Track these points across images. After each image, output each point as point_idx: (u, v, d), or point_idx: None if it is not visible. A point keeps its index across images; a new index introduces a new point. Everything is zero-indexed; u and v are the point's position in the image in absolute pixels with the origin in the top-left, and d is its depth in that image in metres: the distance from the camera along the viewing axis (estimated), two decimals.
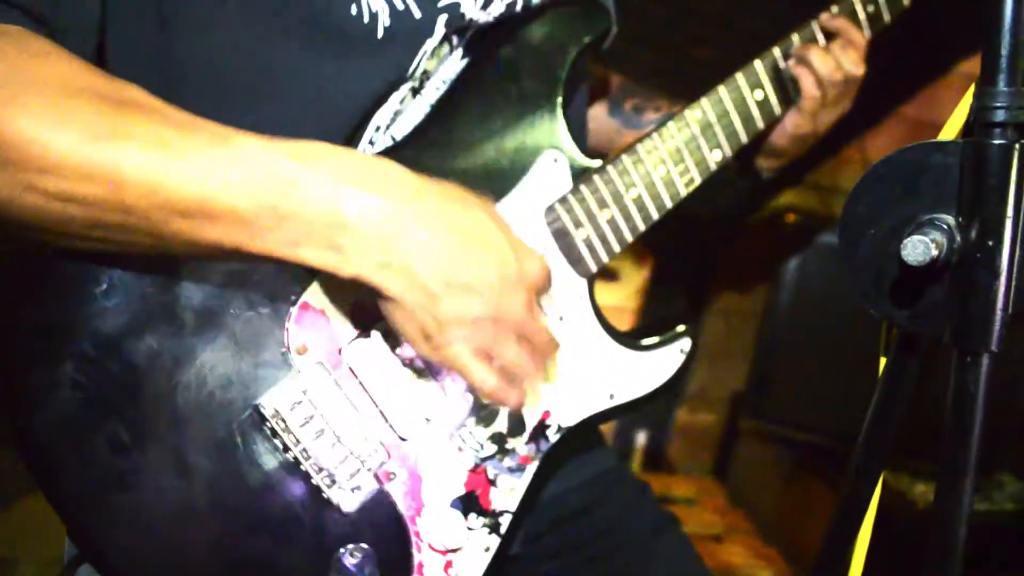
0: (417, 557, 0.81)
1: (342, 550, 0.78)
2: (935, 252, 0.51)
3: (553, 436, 0.88)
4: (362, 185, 0.65)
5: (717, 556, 2.38)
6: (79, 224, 0.63)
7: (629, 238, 0.91)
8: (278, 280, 0.76)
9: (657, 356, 0.93)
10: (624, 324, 0.94)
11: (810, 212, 2.50)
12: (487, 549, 0.85)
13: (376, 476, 0.80)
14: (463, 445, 0.84)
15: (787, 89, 0.99)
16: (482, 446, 0.84)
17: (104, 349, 0.72)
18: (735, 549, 2.46)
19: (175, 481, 0.74)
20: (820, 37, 0.99)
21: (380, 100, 0.83)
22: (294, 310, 0.77)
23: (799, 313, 2.34)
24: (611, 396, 0.91)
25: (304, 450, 0.77)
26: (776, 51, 0.98)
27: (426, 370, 0.81)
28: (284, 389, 0.76)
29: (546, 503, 0.95)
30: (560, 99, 0.87)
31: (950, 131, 0.55)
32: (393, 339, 0.79)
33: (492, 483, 0.85)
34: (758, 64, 0.96)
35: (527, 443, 0.87)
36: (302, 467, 0.77)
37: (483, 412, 0.84)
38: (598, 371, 0.90)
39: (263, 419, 0.76)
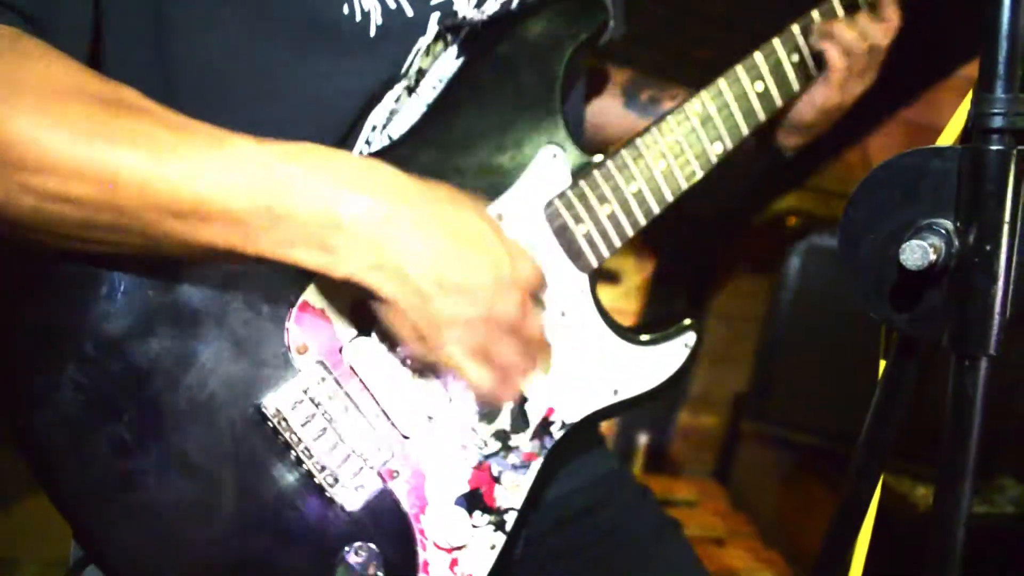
0: (422, 555, 0.81)
1: (346, 549, 0.78)
2: (933, 257, 0.51)
3: (557, 433, 0.88)
4: (356, 187, 0.66)
5: (718, 560, 2.39)
6: (73, 225, 0.64)
7: (630, 232, 0.91)
8: (278, 280, 0.76)
9: (661, 351, 0.92)
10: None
11: (812, 215, 2.51)
12: (493, 547, 0.85)
13: (379, 474, 0.80)
14: (466, 442, 0.84)
15: (807, 67, 0.98)
16: (485, 443, 0.84)
17: (105, 350, 0.72)
18: (736, 552, 2.46)
19: (178, 482, 0.74)
20: (840, 10, 1.00)
21: (375, 99, 0.83)
22: (294, 310, 0.77)
23: (800, 316, 2.34)
24: (615, 392, 0.91)
25: (306, 449, 0.77)
26: (795, 28, 0.97)
27: (427, 368, 0.81)
28: (285, 389, 0.77)
29: (548, 505, 0.95)
30: (558, 95, 0.87)
31: (948, 136, 0.56)
32: (393, 338, 0.79)
33: (496, 480, 0.85)
34: (758, 56, 0.96)
35: (531, 440, 0.87)
36: (304, 466, 0.77)
37: (486, 409, 0.84)
38: (601, 367, 0.90)
39: (264, 419, 0.76)
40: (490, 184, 0.85)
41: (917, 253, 0.51)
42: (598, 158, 0.89)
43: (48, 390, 0.72)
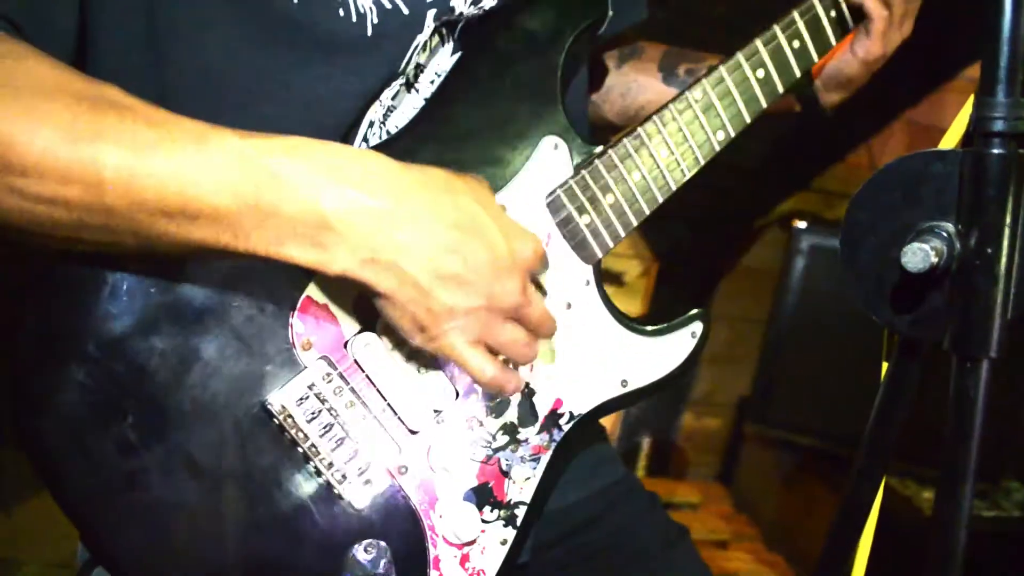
0: (432, 551, 0.81)
1: (356, 546, 0.78)
2: (935, 259, 0.52)
3: (566, 425, 0.88)
4: (342, 180, 0.65)
5: (721, 562, 2.39)
6: (66, 227, 0.64)
7: (634, 222, 0.90)
8: (281, 276, 0.76)
9: (669, 341, 0.91)
10: None
11: (816, 217, 2.50)
12: (503, 542, 0.85)
13: (387, 470, 0.80)
14: (475, 437, 0.84)
15: (844, 20, 0.99)
16: (494, 437, 0.84)
17: (109, 350, 0.72)
18: (740, 555, 2.46)
19: (184, 481, 0.74)
20: None
21: (373, 97, 0.83)
22: (297, 306, 0.77)
23: (804, 318, 2.34)
24: (623, 383, 0.90)
25: (313, 446, 0.77)
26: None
27: (433, 362, 0.81)
28: (290, 385, 0.77)
29: (555, 514, 0.94)
30: (558, 85, 0.87)
31: (950, 140, 0.56)
32: (396, 332, 0.79)
33: (506, 474, 0.85)
34: (758, 43, 0.96)
35: (539, 433, 0.86)
36: (312, 463, 0.78)
37: (493, 402, 0.84)
38: (609, 357, 0.89)
39: (270, 416, 0.76)
40: (491, 176, 0.84)
41: (919, 256, 0.52)
42: (600, 148, 0.89)
43: (52, 391, 0.72)
